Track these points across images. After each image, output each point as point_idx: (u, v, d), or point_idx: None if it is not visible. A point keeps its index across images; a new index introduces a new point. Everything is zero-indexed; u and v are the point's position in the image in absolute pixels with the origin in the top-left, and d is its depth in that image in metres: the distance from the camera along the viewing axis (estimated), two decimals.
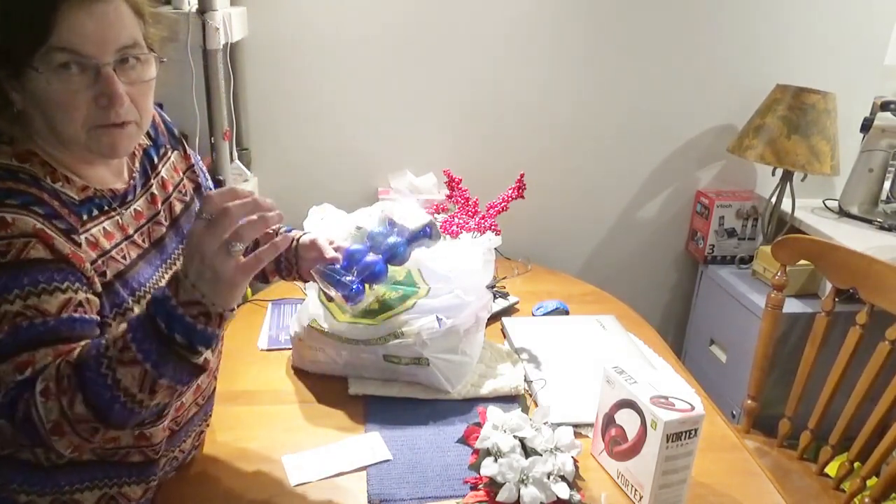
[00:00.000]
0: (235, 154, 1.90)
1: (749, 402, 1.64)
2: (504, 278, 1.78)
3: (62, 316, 0.76)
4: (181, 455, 1.06)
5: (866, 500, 1.34)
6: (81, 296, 0.79)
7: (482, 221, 1.51)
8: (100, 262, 0.83)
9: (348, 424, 1.21)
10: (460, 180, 1.55)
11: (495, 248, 1.42)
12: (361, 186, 2.04)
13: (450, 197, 1.57)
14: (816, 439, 1.55)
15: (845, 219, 2.09)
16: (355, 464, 1.10)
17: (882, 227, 2.01)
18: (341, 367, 1.31)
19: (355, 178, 2.03)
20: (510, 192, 1.53)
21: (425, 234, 1.20)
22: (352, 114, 1.98)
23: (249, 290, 1.85)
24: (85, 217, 0.84)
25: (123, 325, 0.77)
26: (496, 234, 1.47)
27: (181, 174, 1.05)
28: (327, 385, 1.31)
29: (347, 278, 1.10)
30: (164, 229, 0.97)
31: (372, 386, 1.29)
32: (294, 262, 1.16)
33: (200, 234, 0.75)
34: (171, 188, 1.01)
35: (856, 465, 1.44)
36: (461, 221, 1.52)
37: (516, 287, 1.76)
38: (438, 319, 1.24)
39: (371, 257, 1.15)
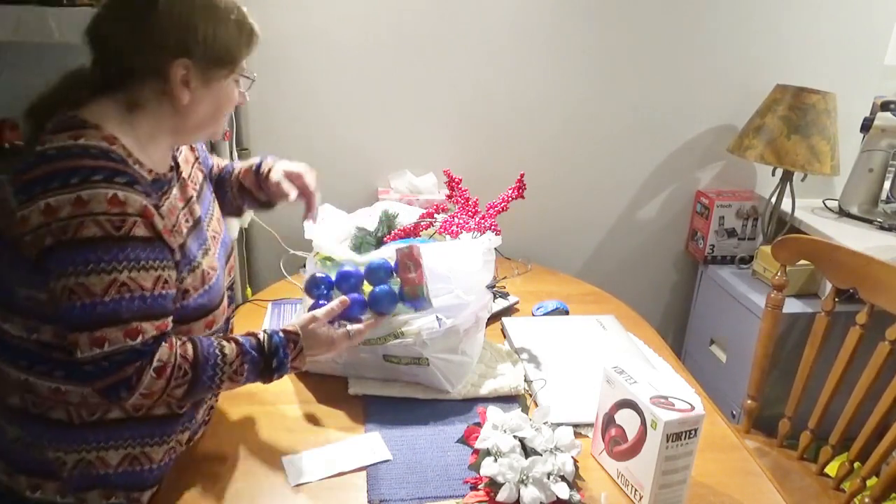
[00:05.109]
0: (235, 154, 1.90)
1: (749, 402, 1.64)
2: (504, 278, 1.78)
3: (155, 292, 0.91)
4: (193, 426, 1.10)
5: (866, 500, 1.34)
6: (167, 273, 0.93)
7: (482, 221, 1.51)
8: (172, 232, 0.97)
9: (348, 424, 1.21)
10: (460, 180, 1.55)
11: (495, 248, 1.42)
12: (361, 186, 2.04)
13: (450, 197, 1.57)
14: (816, 439, 1.55)
15: (845, 219, 2.09)
16: (355, 464, 1.10)
17: (882, 227, 2.01)
18: (341, 368, 1.31)
19: (355, 179, 2.03)
20: (510, 192, 1.53)
21: (414, 304, 1.20)
22: (352, 114, 1.98)
23: (250, 289, 1.86)
24: (158, 194, 0.97)
25: (236, 349, 1.00)
26: (496, 234, 1.47)
27: (191, 166, 1.15)
28: (327, 385, 1.31)
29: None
30: (199, 210, 1.09)
31: (372, 386, 1.29)
32: (269, 196, 1.28)
33: (340, 344, 1.11)
34: (187, 177, 1.12)
35: (856, 465, 1.44)
36: (461, 221, 1.52)
37: (516, 287, 1.76)
38: (438, 319, 1.24)
39: (357, 293, 1.18)
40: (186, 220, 1.04)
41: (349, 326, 1.13)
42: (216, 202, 1.21)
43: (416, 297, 1.17)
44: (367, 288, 1.19)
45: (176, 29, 0.93)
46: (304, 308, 1.33)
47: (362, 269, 1.20)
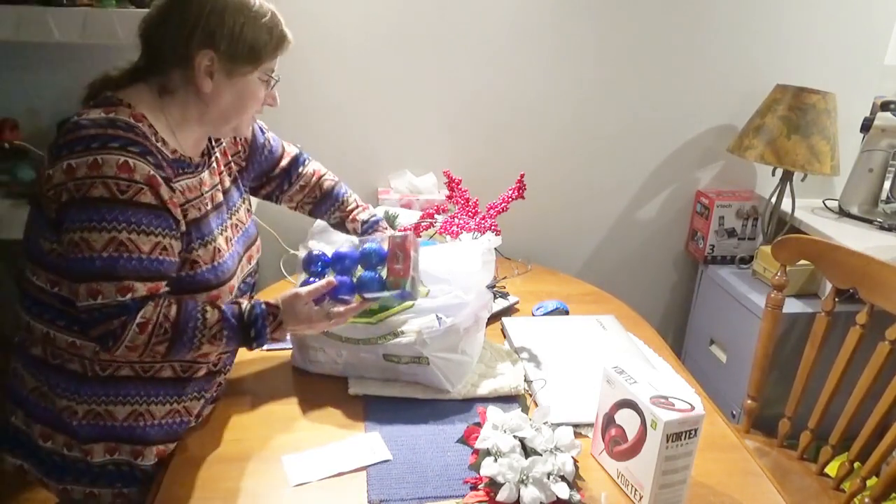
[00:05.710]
0: None
1: (749, 402, 1.64)
2: (504, 278, 1.78)
3: (152, 256, 0.99)
4: (201, 403, 1.16)
5: (866, 500, 1.34)
6: (167, 241, 1.01)
7: (482, 221, 1.51)
8: (184, 207, 1.06)
9: (348, 424, 1.21)
10: (460, 181, 1.55)
11: (495, 248, 1.42)
12: (361, 186, 2.03)
13: (450, 197, 1.57)
14: (816, 439, 1.55)
15: (845, 219, 2.09)
16: (355, 464, 1.10)
17: (882, 227, 2.01)
18: (341, 367, 1.31)
19: (355, 178, 2.02)
20: (510, 192, 1.53)
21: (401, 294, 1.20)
22: (352, 114, 1.98)
23: None
24: (176, 171, 1.06)
25: (218, 315, 1.06)
26: (496, 234, 1.47)
27: (229, 157, 1.25)
28: (327, 385, 1.31)
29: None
30: (222, 196, 1.18)
31: (372, 386, 1.29)
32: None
33: (319, 323, 1.15)
34: (222, 167, 1.22)
35: (856, 465, 1.44)
36: (461, 221, 1.52)
37: (516, 287, 1.76)
38: (438, 318, 1.24)
39: (349, 275, 1.20)
40: (207, 202, 1.12)
41: (335, 308, 1.17)
42: (249, 196, 1.32)
43: (397, 289, 1.18)
44: (360, 271, 1.21)
45: (205, 23, 1.03)
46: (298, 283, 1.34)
47: (358, 252, 1.23)
